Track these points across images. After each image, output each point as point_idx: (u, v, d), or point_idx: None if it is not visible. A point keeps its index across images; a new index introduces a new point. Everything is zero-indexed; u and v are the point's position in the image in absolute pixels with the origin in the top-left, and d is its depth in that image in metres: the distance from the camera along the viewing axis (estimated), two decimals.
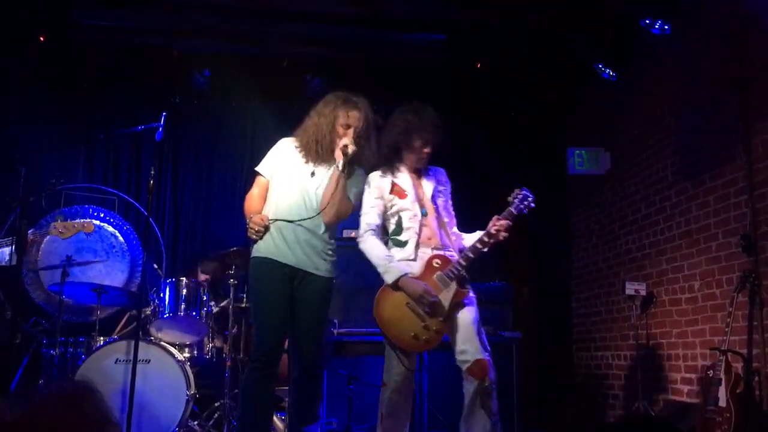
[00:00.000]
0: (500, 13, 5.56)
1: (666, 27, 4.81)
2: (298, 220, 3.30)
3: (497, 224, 3.36)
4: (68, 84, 6.25)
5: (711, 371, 4.14)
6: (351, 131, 3.32)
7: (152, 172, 4.05)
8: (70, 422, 1.18)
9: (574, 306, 6.70)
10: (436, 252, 3.44)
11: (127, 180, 6.43)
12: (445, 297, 3.33)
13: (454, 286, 3.35)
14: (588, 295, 6.45)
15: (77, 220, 4.31)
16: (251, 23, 5.83)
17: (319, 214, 3.31)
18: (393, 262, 3.37)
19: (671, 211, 5.19)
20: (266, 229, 3.33)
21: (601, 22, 5.28)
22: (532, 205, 3.43)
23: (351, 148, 3.26)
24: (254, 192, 3.48)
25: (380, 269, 3.38)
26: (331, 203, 3.29)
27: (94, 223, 5.50)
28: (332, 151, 3.35)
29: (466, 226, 3.71)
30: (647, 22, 4.83)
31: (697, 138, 4.91)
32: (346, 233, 5.22)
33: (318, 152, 3.36)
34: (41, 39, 5.78)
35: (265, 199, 3.46)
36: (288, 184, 3.39)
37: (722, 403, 3.99)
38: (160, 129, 3.94)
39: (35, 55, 5.88)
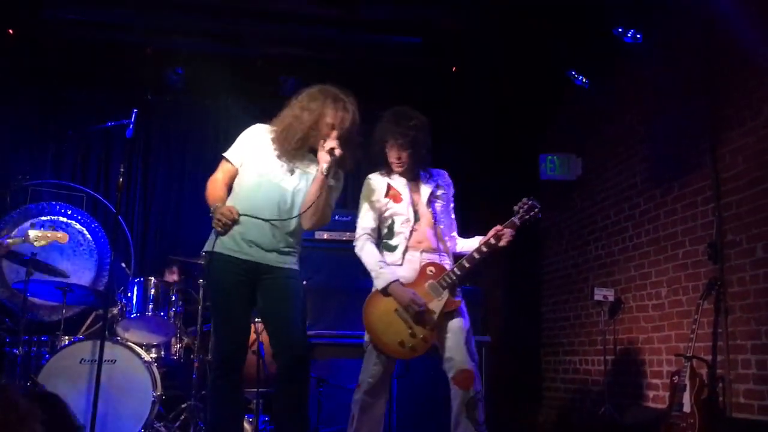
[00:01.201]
0: (477, 17, 5.60)
1: (638, 36, 4.89)
2: (269, 220, 3.12)
3: (500, 234, 3.32)
4: (38, 79, 6.16)
5: (676, 377, 4.20)
6: (335, 133, 3.12)
7: (122, 170, 3.97)
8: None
9: (544, 311, 6.75)
10: (427, 257, 3.40)
11: (96, 177, 6.34)
12: (436, 306, 3.30)
13: (446, 295, 3.31)
14: (557, 300, 6.51)
15: (51, 231, 4.29)
16: (226, 22, 5.79)
17: (294, 217, 3.15)
18: (385, 267, 3.33)
19: (640, 218, 5.26)
20: (234, 222, 3.11)
21: (576, 29, 5.34)
22: (539, 215, 3.36)
23: (338, 152, 3.08)
24: (218, 177, 3.24)
25: (372, 274, 3.35)
26: (314, 209, 3.12)
27: (61, 221, 5.48)
28: (312, 149, 3.15)
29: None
30: (620, 30, 4.90)
31: (667, 146, 4.98)
32: (318, 235, 5.19)
33: (296, 148, 3.14)
34: (10, 33, 5.69)
35: (229, 188, 3.24)
36: (261, 178, 3.17)
37: (687, 408, 4.05)
38: (131, 126, 3.88)
39: (4, 49, 5.77)
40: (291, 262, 3.20)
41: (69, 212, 5.68)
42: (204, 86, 6.26)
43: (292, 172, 3.20)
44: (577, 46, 5.52)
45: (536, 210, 3.36)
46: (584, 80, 5.62)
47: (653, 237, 5.07)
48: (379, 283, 3.32)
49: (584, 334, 5.96)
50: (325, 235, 5.12)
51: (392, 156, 3.44)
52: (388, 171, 3.49)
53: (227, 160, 3.27)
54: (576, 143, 6.22)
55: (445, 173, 3.66)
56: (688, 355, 4.18)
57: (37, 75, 6.12)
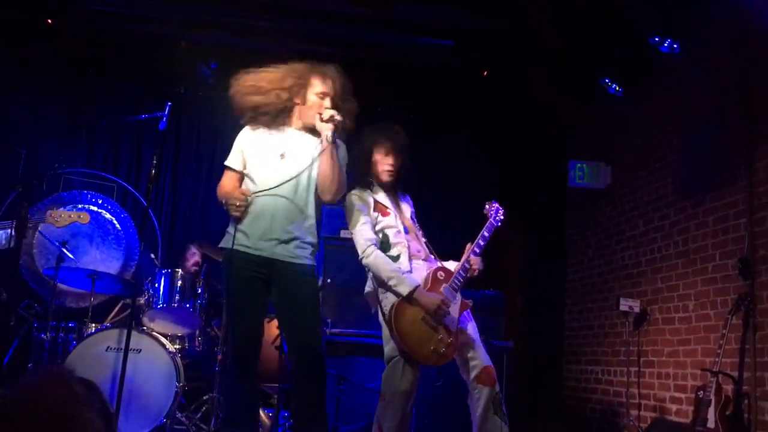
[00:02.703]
0: (509, 22, 5.58)
1: (675, 46, 4.83)
2: (279, 192, 3.14)
3: (471, 263, 3.43)
4: (73, 69, 6.25)
5: (701, 392, 4.15)
6: (328, 101, 3.18)
7: (154, 162, 3.98)
8: (58, 397, 1.17)
9: (567, 319, 6.70)
10: (432, 264, 3.45)
11: (127, 168, 6.42)
12: (454, 309, 3.34)
13: (459, 296, 3.37)
14: (581, 309, 6.45)
15: (73, 210, 4.29)
16: (260, 18, 5.83)
17: (294, 178, 3.14)
18: (405, 273, 3.32)
19: (669, 229, 5.20)
20: (248, 203, 3.12)
21: (611, 37, 5.29)
22: (503, 217, 3.59)
23: (338, 118, 3.11)
24: (224, 182, 3.30)
25: (392, 282, 3.30)
26: (330, 179, 3.14)
27: (91, 210, 5.55)
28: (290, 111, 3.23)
29: (464, 234, 3.72)
30: (656, 40, 4.85)
31: (699, 158, 4.92)
32: (342, 233, 5.20)
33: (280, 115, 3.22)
34: (49, 22, 5.78)
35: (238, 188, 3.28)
36: (261, 176, 3.20)
37: (711, 424, 4.00)
38: (164, 119, 3.90)
39: (41, 39, 5.87)
40: (305, 257, 3.18)
41: (99, 201, 5.75)
42: None
43: (282, 156, 3.20)
44: (611, 53, 5.47)
45: (500, 212, 3.58)
46: (617, 88, 5.57)
47: (682, 249, 5.01)
48: (403, 289, 3.27)
49: (608, 344, 5.90)
50: (349, 234, 5.13)
51: (384, 162, 3.48)
52: (369, 187, 3.50)
53: (230, 169, 3.30)
54: (606, 151, 6.17)
55: (409, 196, 3.75)
56: (714, 370, 4.13)
57: (73, 65, 6.21)
